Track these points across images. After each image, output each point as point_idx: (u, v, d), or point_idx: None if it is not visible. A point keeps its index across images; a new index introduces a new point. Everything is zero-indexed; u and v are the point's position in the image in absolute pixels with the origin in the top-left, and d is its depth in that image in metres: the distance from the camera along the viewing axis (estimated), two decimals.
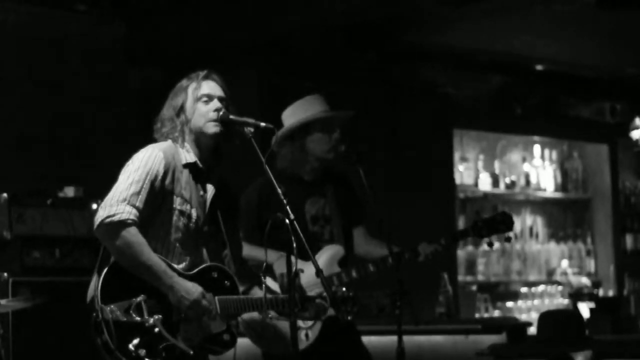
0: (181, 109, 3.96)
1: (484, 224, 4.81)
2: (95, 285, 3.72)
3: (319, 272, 3.76)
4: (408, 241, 4.77)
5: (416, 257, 4.74)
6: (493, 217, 4.86)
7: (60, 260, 5.72)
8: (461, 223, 9.13)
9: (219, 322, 3.90)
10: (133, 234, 3.72)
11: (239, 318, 4.11)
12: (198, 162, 3.97)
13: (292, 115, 4.86)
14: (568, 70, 9.25)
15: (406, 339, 4.31)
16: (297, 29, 7.50)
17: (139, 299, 3.69)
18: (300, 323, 4.55)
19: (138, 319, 3.68)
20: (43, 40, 6.61)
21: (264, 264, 4.02)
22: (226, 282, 3.97)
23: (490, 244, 4.89)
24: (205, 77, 4.01)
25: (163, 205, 3.86)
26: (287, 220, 3.70)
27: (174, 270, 3.81)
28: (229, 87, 4.06)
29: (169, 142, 3.95)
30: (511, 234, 4.82)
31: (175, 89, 4.03)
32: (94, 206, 5.79)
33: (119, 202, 3.74)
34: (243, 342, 4.08)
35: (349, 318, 3.86)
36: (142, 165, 3.82)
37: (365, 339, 4.91)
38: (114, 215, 3.72)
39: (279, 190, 3.77)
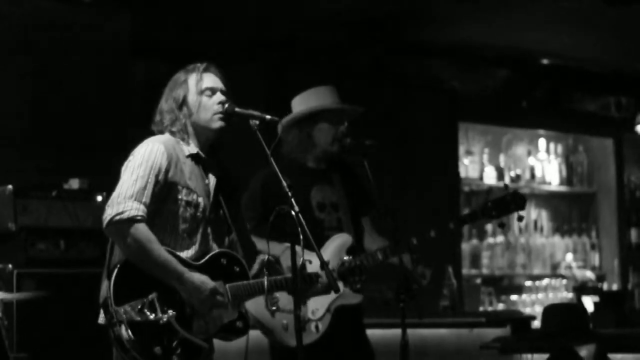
0: (183, 102, 3.95)
1: (494, 204, 4.68)
2: (107, 287, 3.71)
3: (323, 264, 3.76)
4: (413, 234, 4.76)
5: (424, 239, 4.69)
6: (503, 197, 4.75)
7: (64, 252, 5.72)
8: None
9: (231, 310, 3.91)
10: (143, 231, 3.71)
11: (247, 308, 4.11)
12: (200, 152, 3.97)
13: (302, 103, 4.85)
14: (574, 64, 9.24)
15: (410, 332, 4.30)
16: (303, 23, 7.50)
17: (151, 296, 3.68)
18: (310, 315, 4.56)
19: (152, 316, 3.67)
20: (48, 32, 6.60)
21: (267, 256, 4.02)
22: (236, 267, 3.97)
23: (502, 225, 4.76)
24: (206, 70, 4.00)
25: (169, 197, 3.84)
26: (292, 212, 3.69)
27: (185, 263, 3.81)
28: (234, 80, 4.05)
29: (168, 135, 3.94)
30: (523, 213, 4.69)
31: (173, 81, 4.01)
32: (99, 198, 5.80)
33: (126, 199, 3.72)
34: (252, 333, 4.07)
35: (358, 287, 3.84)
36: (144, 160, 3.80)
37: (370, 332, 4.90)
38: (122, 212, 3.70)
39: (284, 183, 3.76)
